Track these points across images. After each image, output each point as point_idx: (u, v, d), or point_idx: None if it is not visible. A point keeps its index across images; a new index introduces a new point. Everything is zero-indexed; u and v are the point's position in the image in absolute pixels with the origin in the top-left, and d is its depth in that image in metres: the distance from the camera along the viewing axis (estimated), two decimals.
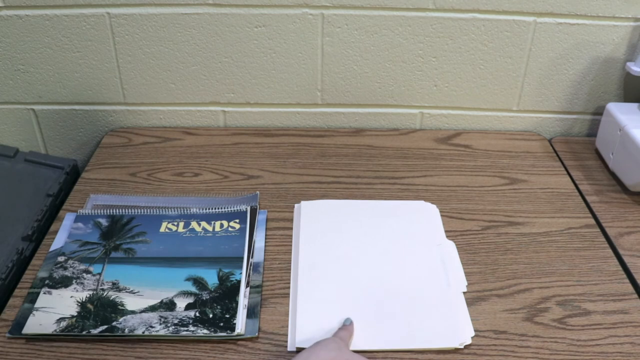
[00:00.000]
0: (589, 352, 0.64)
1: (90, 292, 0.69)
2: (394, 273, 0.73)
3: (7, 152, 0.94)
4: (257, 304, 0.69)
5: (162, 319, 0.66)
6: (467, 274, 0.74)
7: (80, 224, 0.80)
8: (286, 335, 0.65)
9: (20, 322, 0.65)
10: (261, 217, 0.83)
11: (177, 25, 0.94)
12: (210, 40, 0.96)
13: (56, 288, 0.70)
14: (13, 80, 0.99)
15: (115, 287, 0.70)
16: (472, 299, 0.70)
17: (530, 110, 1.05)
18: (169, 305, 0.68)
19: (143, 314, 0.67)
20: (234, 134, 1.03)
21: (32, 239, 0.81)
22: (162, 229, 0.79)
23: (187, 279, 0.71)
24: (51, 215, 0.85)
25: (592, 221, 0.84)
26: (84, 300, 0.68)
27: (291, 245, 0.78)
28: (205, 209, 0.83)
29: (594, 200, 0.88)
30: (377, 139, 1.02)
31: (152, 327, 0.65)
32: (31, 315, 0.66)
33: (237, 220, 0.81)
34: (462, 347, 0.64)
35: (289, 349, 0.64)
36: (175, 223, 0.80)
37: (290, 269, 0.74)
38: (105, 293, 0.69)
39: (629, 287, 0.73)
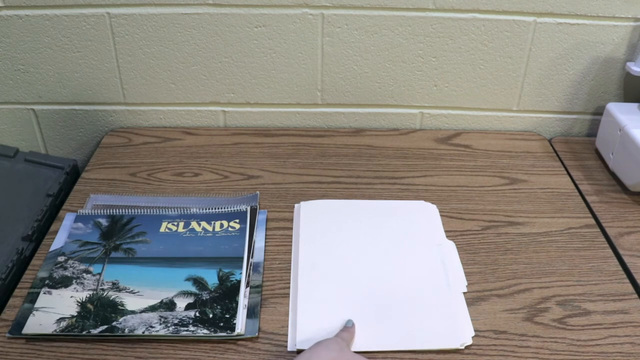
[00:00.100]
0: (589, 352, 0.64)
1: (90, 292, 0.69)
2: (394, 273, 0.73)
3: (7, 152, 0.94)
4: (257, 304, 0.69)
5: (162, 319, 0.66)
6: (467, 274, 0.74)
7: (80, 224, 0.80)
8: (286, 335, 0.65)
9: (20, 322, 0.65)
10: (261, 217, 0.83)
11: (177, 25, 0.94)
12: (210, 40, 0.96)
13: (56, 288, 0.70)
14: (13, 80, 0.99)
15: (115, 287, 0.70)
16: (472, 299, 0.70)
17: (530, 110, 1.05)
18: (169, 305, 0.68)
19: (143, 314, 0.67)
20: (234, 134, 1.03)
21: (32, 239, 0.81)
22: (162, 229, 0.79)
23: (187, 279, 0.71)
24: (51, 215, 0.85)
25: (592, 221, 0.84)
26: (84, 300, 0.68)
27: (291, 245, 0.78)
28: (205, 209, 0.83)
29: (594, 200, 0.88)
30: (377, 139, 1.02)
31: (152, 327, 0.65)
32: (31, 315, 0.66)
33: (237, 220, 0.81)
34: (462, 347, 0.64)
35: (289, 349, 0.64)
36: (175, 223, 0.80)
37: (290, 269, 0.74)
38: (105, 293, 0.69)
39: (629, 287, 0.73)
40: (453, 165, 0.96)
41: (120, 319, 0.66)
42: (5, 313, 0.67)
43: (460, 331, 0.65)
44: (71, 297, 0.69)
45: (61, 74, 0.98)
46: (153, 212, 0.82)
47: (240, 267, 0.73)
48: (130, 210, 0.82)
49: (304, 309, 0.68)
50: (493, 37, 0.96)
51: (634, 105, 0.95)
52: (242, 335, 0.65)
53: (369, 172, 0.93)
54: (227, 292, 0.70)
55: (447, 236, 0.80)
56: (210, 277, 0.72)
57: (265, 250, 0.77)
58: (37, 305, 0.67)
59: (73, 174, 0.96)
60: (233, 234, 0.79)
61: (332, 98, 1.03)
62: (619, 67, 0.99)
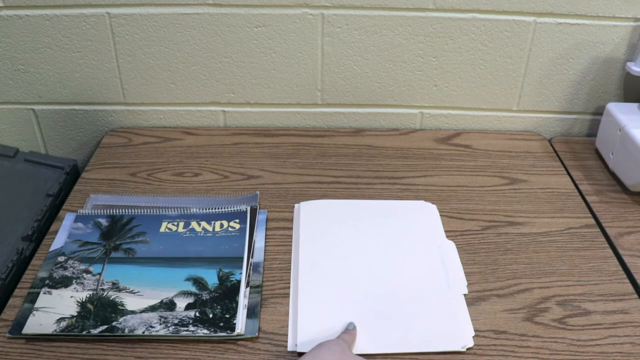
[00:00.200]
0: (589, 352, 0.64)
1: (90, 292, 0.69)
2: (394, 273, 0.73)
3: (7, 152, 0.94)
4: (257, 304, 0.69)
5: (162, 319, 0.66)
6: (467, 274, 0.74)
7: (80, 224, 0.80)
8: (286, 335, 0.65)
9: (20, 322, 0.65)
10: (261, 217, 0.83)
11: (177, 25, 0.94)
12: (210, 40, 0.96)
13: (56, 288, 0.70)
14: (13, 80, 0.99)
15: (115, 287, 0.70)
16: (472, 299, 0.70)
17: (530, 110, 1.05)
18: (169, 305, 0.68)
19: (143, 314, 0.67)
20: (234, 134, 1.03)
21: (32, 239, 0.81)
22: (162, 229, 0.79)
23: (187, 279, 0.71)
24: (51, 215, 0.85)
25: (592, 221, 0.84)
26: (84, 300, 0.68)
27: (291, 245, 0.78)
28: (205, 209, 0.83)
29: (594, 200, 0.88)
30: (377, 139, 1.02)
31: (152, 327, 0.65)
32: (31, 315, 0.66)
33: (237, 220, 0.81)
34: (464, 349, 0.63)
35: (289, 349, 0.64)
36: (175, 223, 0.80)
37: (290, 269, 0.74)
38: (105, 293, 0.69)
39: (629, 287, 0.73)
40: (453, 165, 0.96)
41: (120, 319, 0.66)
42: (5, 313, 0.67)
43: (461, 333, 0.65)
44: (71, 297, 0.69)
45: (61, 74, 0.98)
46: (153, 212, 0.82)
47: (240, 267, 0.73)
48: (130, 210, 0.82)
49: (304, 309, 0.68)
50: (493, 37, 0.96)
51: (634, 105, 0.95)
52: (242, 335, 0.65)
53: (369, 172, 0.93)
54: (227, 292, 0.70)
55: (447, 236, 0.80)
56: (210, 277, 0.72)
57: (265, 250, 0.77)
58: (37, 305, 0.67)
59: (73, 174, 0.96)
60: (233, 234, 0.79)
61: (332, 98, 1.03)
62: (619, 67, 0.99)
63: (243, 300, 0.69)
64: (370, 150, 0.99)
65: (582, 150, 1.01)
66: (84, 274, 0.72)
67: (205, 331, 0.65)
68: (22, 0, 0.91)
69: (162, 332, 0.64)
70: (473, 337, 0.65)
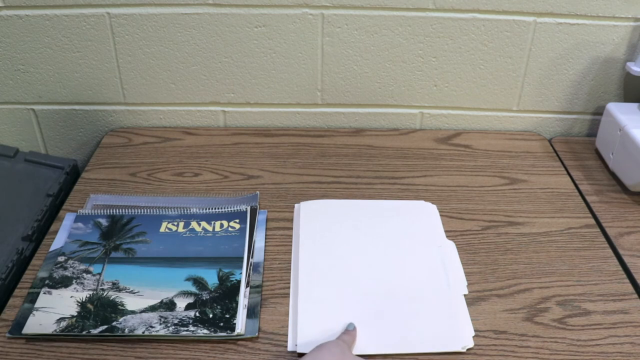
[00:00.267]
0: (589, 352, 0.64)
1: (90, 292, 0.69)
2: (394, 273, 0.73)
3: (7, 152, 0.94)
4: (257, 304, 0.69)
5: (162, 319, 0.66)
6: (467, 274, 0.74)
7: (80, 224, 0.80)
8: (286, 335, 0.65)
9: (20, 322, 0.65)
10: (261, 217, 0.83)
11: (177, 25, 0.94)
12: (210, 40, 0.96)
13: (56, 288, 0.70)
14: (13, 80, 0.99)
15: (115, 287, 0.70)
16: (472, 299, 0.70)
17: (530, 110, 1.05)
18: (169, 305, 0.68)
19: (143, 314, 0.67)
20: (234, 134, 1.03)
21: (32, 239, 0.81)
22: (162, 229, 0.79)
23: (187, 279, 0.71)
24: (51, 215, 0.85)
25: (592, 221, 0.84)
26: (84, 300, 0.68)
27: (291, 245, 0.78)
28: (205, 209, 0.83)
29: (594, 200, 0.88)
30: (377, 139, 1.02)
31: (152, 327, 0.65)
32: (31, 315, 0.66)
33: (237, 220, 0.81)
34: (464, 350, 0.63)
35: (289, 349, 0.64)
36: (175, 223, 0.80)
37: (290, 269, 0.74)
38: (105, 293, 0.69)
39: (629, 287, 0.73)
40: (453, 165, 0.96)
41: (120, 319, 0.66)
42: (5, 313, 0.67)
43: (461, 333, 0.65)
44: (71, 297, 0.69)
45: (61, 74, 0.98)
46: (153, 212, 0.82)
47: (240, 267, 0.73)
48: (130, 210, 0.82)
49: (304, 309, 0.68)
50: (493, 37, 0.96)
51: (634, 105, 0.95)
52: (242, 335, 0.65)
53: (369, 172, 0.93)
54: (227, 292, 0.70)
55: (447, 236, 0.80)
56: (210, 277, 0.72)
57: (265, 250, 0.77)
58: (37, 305, 0.67)
59: (73, 174, 0.96)
60: (233, 234, 0.79)
61: (332, 98, 1.03)
62: (619, 67, 0.99)
63: (243, 300, 0.69)
64: (370, 150, 0.99)
65: (582, 150, 1.01)
66: (84, 274, 0.72)
67: (205, 331, 0.65)
68: (22, 0, 0.91)
69: (162, 332, 0.64)
70: (473, 337, 0.65)
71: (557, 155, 0.99)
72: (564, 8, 0.93)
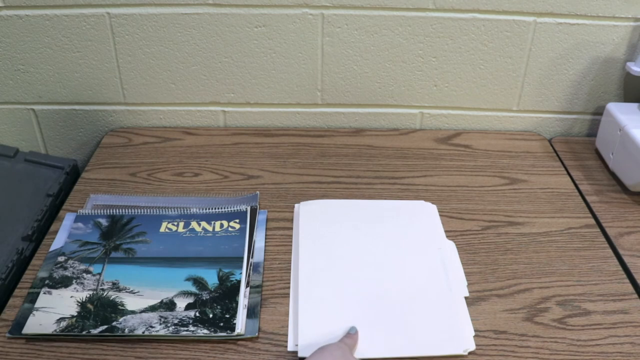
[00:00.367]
0: (589, 352, 0.64)
1: (90, 292, 0.69)
2: (394, 274, 0.73)
3: (7, 152, 0.94)
4: (257, 304, 0.69)
5: (162, 319, 0.66)
6: (467, 274, 0.74)
7: (80, 224, 0.80)
8: (286, 335, 0.65)
9: (20, 322, 0.65)
10: (261, 217, 0.83)
11: (177, 25, 0.94)
12: (210, 40, 0.96)
13: (56, 288, 0.70)
14: (13, 80, 0.99)
15: (115, 287, 0.70)
16: (472, 299, 0.70)
17: (530, 110, 1.05)
18: (169, 305, 0.68)
19: (143, 314, 0.67)
20: (234, 134, 1.03)
21: (32, 239, 0.81)
22: (162, 229, 0.79)
23: (187, 279, 0.71)
24: (51, 215, 0.85)
25: (592, 221, 0.84)
26: (84, 300, 0.68)
27: (291, 245, 0.78)
28: (205, 209, 0.83)
29: (594, 200, 0.88)
30: (377, 139, 1.02)
31: (152, 327, 0.65)
32: (31, 315, 0.66)
33: (237, 220, 0.81)
34: (466, 353, 0.63)
35: (289, 349, 0.64)
36: (175, 223, 0.80)
37: (290, 269, 0.74)
38: (105, 293, 0.69)
39: (629, 287, 0.73)
40: (453, 165, 0.96)
41: (120, 319, 0.66)
42: (5, 313, 0.67)
43: (462, 336, 0.65)
44: (71, 297, 0.69)
45: (61, 74, 0.98)
46: (153, 212, 0.82)
47: (240, 267, 0.73)
48: (130, 210, 0.82)
49: (305, 309, 0.68)
50: (493, 37, 0.96)
51: (634, 105, 0.95)
52: (242, 335, 0.65)
53: (369, 172, 0.93)
54: (227, 292, 0.70)
55: (447, 236, 0.80)
56: (210, 277, 0.72)
57: (265, 250, 0.77)
58: (37, 305, 0.67)
59: (73, 174, 0.96)
60: (233, 234, 0.79)
61: (332, 98, 1.03)
62: (619, 67, 0.99)
63: (243, 300, 0.69)
64: (370, 150, 0.99)
65: (582, 150, 1.01)
66: (84, 274, 0.72)
67: (205, 331, 0.65)
68: (22, 0, 0.91)
69: (162, 332, 0.64)
70: (473, 337, 0.65)
71: (557, 155, 0.99)
72: (564, 8, 0.93)
